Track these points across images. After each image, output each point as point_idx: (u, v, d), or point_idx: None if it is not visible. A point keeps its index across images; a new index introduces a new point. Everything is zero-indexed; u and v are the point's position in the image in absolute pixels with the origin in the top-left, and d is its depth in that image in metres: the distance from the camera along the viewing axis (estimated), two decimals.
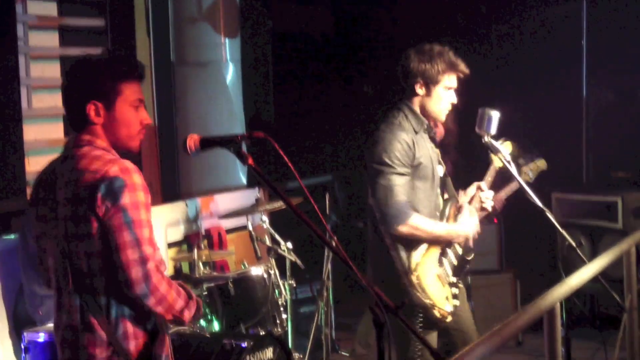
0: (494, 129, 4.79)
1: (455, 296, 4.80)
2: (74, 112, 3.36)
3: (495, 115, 4.76)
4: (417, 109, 4.78)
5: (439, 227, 4.73)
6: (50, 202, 3.30)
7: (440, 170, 4.89)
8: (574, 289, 3.95)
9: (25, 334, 4.80)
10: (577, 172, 8.00)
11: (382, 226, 4.72)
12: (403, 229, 4.62)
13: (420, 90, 4.74)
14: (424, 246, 4.70)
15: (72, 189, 3.21)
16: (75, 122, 3.36)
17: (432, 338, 4.71)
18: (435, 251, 4.76)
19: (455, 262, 4.84)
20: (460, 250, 4.88)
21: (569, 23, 8.05)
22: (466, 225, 4.83)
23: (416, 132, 4.73)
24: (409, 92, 4.79)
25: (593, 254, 6.90)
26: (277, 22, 9.18)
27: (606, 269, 4.50)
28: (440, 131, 5.69)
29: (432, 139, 4.91)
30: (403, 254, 4.68)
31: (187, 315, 3.34)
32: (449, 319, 4.72)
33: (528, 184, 4.90)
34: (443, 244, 4.79)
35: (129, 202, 3.16)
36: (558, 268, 7.27)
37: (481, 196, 4.97)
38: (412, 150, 4.66)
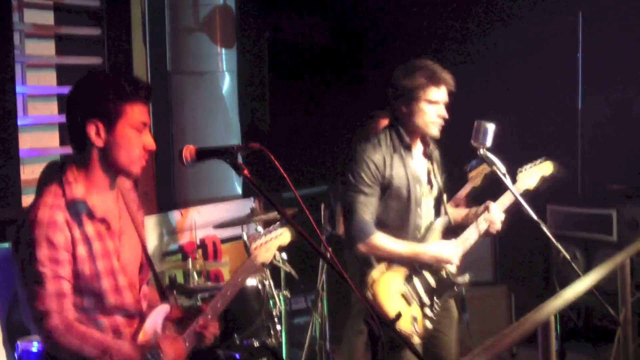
0: (489, 141, 4.79)
1: (427, 317, 4.75)
2: (74, 129, 3.26)
3: (490, 127, 4.77)
4: (402, 127, 4.76)
5: (402, 247, 4.69)
6: None
7: (427, 190, 4.86)
8: (568, 301, 3.95)
9: (19, 343, 4.79)
10: (572, 185, 8.00)
11: (346, 243, 4.76)
12: (362, 247, 4.65)
13: (403, 107, 4.72)
14: (383, 264, 4.69)
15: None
16: (75, 139, 3.28)
17: (405, 356, 4.67)
18: (401, 269, 4.73)
19: (433, 284, 4.81)
20: (443, 273, 4.85)
21: (564, 37, 8.07)
22: (438, 248, 4.80)
23: (395, 152, 4.72)
24: (396, 110, 4.78)
25: (588, 267, 6.92)
26: (274, 32, 9.19)
27: (600, 281, 4.50)
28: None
29: (428, 156, 4.90)
30: (364, 268, 4.69)
31: None
32: (415, 340, 4.65)
33: (522, 196, 4.90)
34: (415, 263, 4.77)
35: (29, 255, 3.13)
36: (552, 281, 7.29)
37: (488, 217, 4.96)
38: (380, 171, 4.65)
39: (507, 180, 4.82)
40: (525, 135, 8.31)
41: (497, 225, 4.96)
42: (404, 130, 4.76)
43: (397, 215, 4.74)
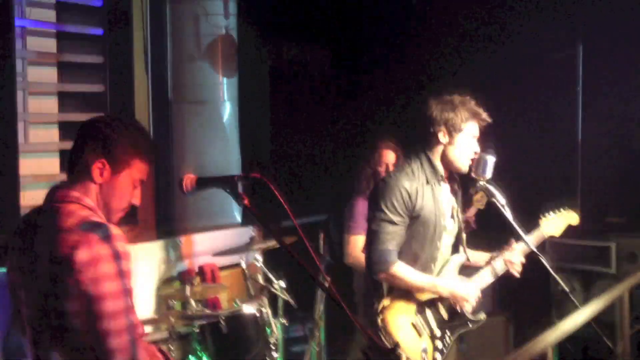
0: (489, 173, 4.81)
1: (437, 349, 4.77)
2: (79, 161, 3.27)
3: (490, 160, 4.79)
4: (436, 158, 4.81)
5: (422, 279, 4.73)
6: (29, 254, 3.21)
7: (450, 224, 4.89)
8: (566, 333, 3.95)
9: None
10: None
11: (366, 269, 4.77)
12: (382, 275, 4.69)
13: (443, 138, 4.76)
14: (398, 292, 4.71)
15: (55, 247, 3.09)
16: (75, 169, 3.29)
17: None
18: (413, 299, 4.75)
19: (445, 316, 4.82)
20: (457, 308, 4.87)
21: (564, 69, 8.09)
22: (458, 284, 4.82)
23: (427, 183, 4.75)
24: (431, 140, 4.80)
25: (586, 299, 6.90)
26: (275, 60, 9.22)
27: (599, 314, 4.50)
28: None
29: (454, 191, 4.93)
30: (377, 295, 4.71)
31: None
32: None
33: (522, 227, 4.91)
34: (428, 295, 4.79)
35: (116, 271, 3.06)
36: (551, 312, 7.28)
37: (509, 258, 4.98)
38: (412, 200, 4.67)
39: (507, 212, 4.83)
40: (525, 167, 8.32)
41: (518, 266, 4.99)
42: (439, 161, 4.79)
43: (418, 245, 4.76)
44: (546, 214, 5.29)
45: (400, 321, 4.67)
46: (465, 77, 8.68)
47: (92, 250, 3.03)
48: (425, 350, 4.67)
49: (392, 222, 4.66)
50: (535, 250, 4.81)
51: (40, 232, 3.19)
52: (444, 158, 4.80)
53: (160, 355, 3.31)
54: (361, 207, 6.46)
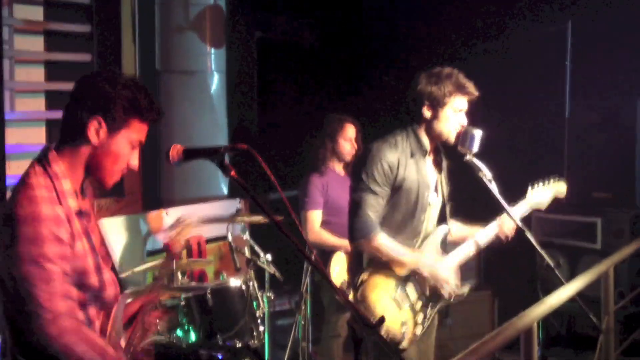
0: (476, 147, 4.81)
1: (418, 323, 4.78)
2: (73, 119, 3.11)
3: (477, 133, 4.79)
4: (422, 132, 4.81)
5: (401, 252, 4.73)
6: None
7: (434, 198, 4.89)
8: (551, 308, 3.96)
9: None
10: None
11: (349, 238, 4.79)
12: (364, 243, 4.70)
13: (427, 112, 4.76)
14: (376, 266, 4.71)
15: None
16: (68, 131, 3.14)
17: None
18: (393, 274, 4.75)
19: (426, 291, 4.83)
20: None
21: (553, 43, 8.08)
22: (439, 267, 4.82)
23: (411, 156, 4.74)
24: (417, 115, 4.81)
25: (572, 274, 6.93)
26: (264, 32, 9.19)
27: (584, 289, 4.52)
28: None
29: (438, 164, 4.93)
30: (355, 269, 4.73)
31: None
32: (404, 344, 4.70)
33: (508, 202, 4.92)
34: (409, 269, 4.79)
35: (35, 254, 2.95)
36: (536, 287, 7.31)
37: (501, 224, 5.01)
38: (393, 171, 4.68)
39: (493, 187, 4.84)
40: (512, 142, 8.33)
41: (509, 232, 5.04)
42: (425, 135, 4.79)
43: (401, 217, 4.77)
44: (535, 185, 5.29)
45: (380, 295, 4.68)
46: (455, 52, 8.68)
47: (14, 229, 2.95)
48: (404, 324, 4.68)
49: (373, 192, 4.68)
50: (520, 225, 4.81)
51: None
52: (430, 132, 4.81)
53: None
54: (316, 182, 6.47)
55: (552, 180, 5.34)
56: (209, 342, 5.33)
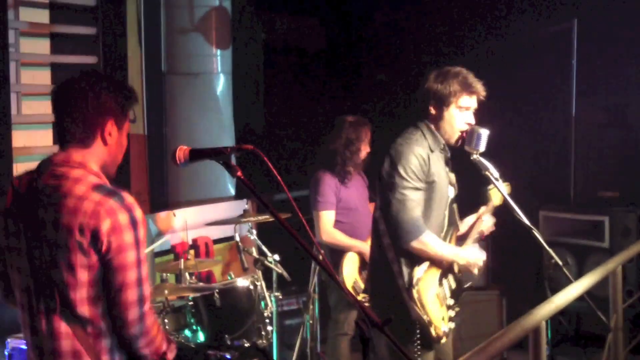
0: (482, 147, 4.80)
1: (450, 318, 4.81)
2: (89, 125, 3.21)
3: (484, 133, 4.78)
4: (434, 128, 4.80)
5: (447, 249, 4.74)
6: (31, 220, 3.15)
7: (451, 193, 4.90)
8: (559, 307, 3.96)
9: (9, 340, 4.78)
10: (564, 191, 8.01)
11: (390, 240, 4.71)
12: (415, 244, 4.61)
13: (433, 110, 4.76)
14: (426, 263, 4.70)
15: (68, 216, 3.06)
16: (80, 135, 3.22)
17: (429, 358, 4.72)
18: (437, 271, 4.76)
19: (454, 286, 4.86)
20: (459, 275, 4.90)
21: (559, 42, 8.07)
22: (473, 253, 4.85)
23: (432, 151, 4.74)
24: (424, 112, 4.81)
25: (579, 273, 6.92)
26: (269, 34, 9.20)
27: (592, 288, 4.51)
28: None
29: (447, 161, 4.93)
30: (405, 268, 4.68)
31: (170, 356, 3.29)
32: (444, 340, 4.72)
33: (515, 201, 4.91)
34: (444, 265, 4.80)
35: (135, 240, 3.09)
36: (544, 286, 7.30)
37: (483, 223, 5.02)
38: (427, 166, 4.66)
39: (500, 185, 4.83)
40: (519, 141, 8.32)
41: (490, 229, 5.07)
42: (436, 131, 4.80)
43: (431, 212, 4.74)
44: (489, 187, 5.27)
45: (430, 293, 4.68)
46: (461, 51, 8.68)
47: (114, 219, 3.05)
48: (444, 319, 4.73)
49: (415, 189, 4.62)
50: (529, 224, 4.80)
51: (45, 196, 3.13)
52: (438, 129, 4.80)
53: (164, 333, 3.31)
54: (330, 181, 6.42)
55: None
56: (217, 342, 5.35)
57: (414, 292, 4.61)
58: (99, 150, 3.23)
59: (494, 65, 8.52)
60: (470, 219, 5.14)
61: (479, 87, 4.77)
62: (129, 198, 3.13)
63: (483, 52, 8.59)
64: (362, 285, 6.02)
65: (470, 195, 5.18)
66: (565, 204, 7.98)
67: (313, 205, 6.43)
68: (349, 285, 6.20)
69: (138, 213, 3.13)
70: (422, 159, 4.65)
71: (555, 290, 4.24)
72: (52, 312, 3.14)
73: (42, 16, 7.10)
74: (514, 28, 8.44)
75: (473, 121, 4.78)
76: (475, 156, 4.81)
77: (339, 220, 6.43)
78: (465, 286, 4.98)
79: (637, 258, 6.77)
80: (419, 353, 4.60)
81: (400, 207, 4.62)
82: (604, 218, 7.42)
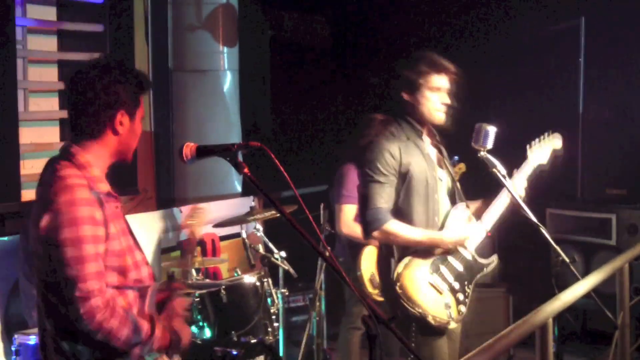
0: (490, 144, 4.81)
1: (460, 302, 4.81)
2: (98, 117, 3.26)
3: (492, 130, 4.78)
4: (411, 116, 4.84)
5: (416, 234, 4.75)
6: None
7: (442, 176, 4.91)
8: (566, 304, 3.96)
9: (16, 336, 4.79)
10: (571, 188, 8.00)
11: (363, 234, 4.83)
12: (376, 234, 4.75)
13: (406, 97, 4.81)
14: (408, 257, 4.74)
15: (35, 209, 3.19)
16: (90, 127, 3.27)
17: (439, 345, 4.75)
18: (425, 259, 4.77)
19: (460, 269, 4.85)
20: (467, 255, 4.88)
21: (567, 40, 8.06)
22: (454, 231, 4.84)
23: (408, 139, 4.77)
24: (402, 100, 4.86)
25: (586, 271, 6.91)
26: (276, 31, 9.20)
27: (599, 285, 4.51)
28: None
29: (436, 145, 4.95)
30: (392, 264, 4.74)
31: (137, 351, 3.24)
32: (453, 325, 4.76)
33: (522, 198, 4.90)
34: (437, 251, 4.80)
35: (70, 237, 3.09)
36: (551, 283, 7.29)
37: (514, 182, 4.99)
38: (396, 159, 4.72)
39: (507, 183, 4.83)
40: (526, 139, 8.30)
41: (522, 192, 5.02)
42: (413, 119, 4.82)
43: (418, 202, 4.79)
44: (532, 143, 5.28)
45: (418, 284, 4.69)
46: (468, 48, 8.67)
47: (53, 216, 3.10)
48: (448, 306, 4.71)
49: (378, 182, 4.74)
50: (536, 221, 4.79)
51: (37, 189, 3.27)
52: (415, 115, 4.84)
53: (144, 326, 3.29)
54: (355, 177, 6.43)
55: (546, 135, 5.33)
56: (223, 339, 5.35)
57: (397, 288, 4.67)
58: (109, 141, 3.29)
59: (501, 63, 8.52)
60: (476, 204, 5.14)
61: (447, 64, 4.82)
62: (82, 194, 3.14)
63: (491, 50, 8.59)
64: (378, 279, 6.03)
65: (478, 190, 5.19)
66: (572, 201, 7.98)
67: (337, 198, 6.45)
68: (365, 278, 6.22)
69: (84, 211, 3.12)
70: (390, 153, 4.75)
71: (562, 287, 4.22)
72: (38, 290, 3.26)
73: (49, 13, 7.10)
74: (521, 26, 8.43)
75: (449, 101, 4.81)
76: (482, 153, 4.82)
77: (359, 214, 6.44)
78: (485, 262, 4.96)
79: None
80: (415, 343, 4.64)
81: (364, 201, 4.79)
82: (611, 216, 7.43)
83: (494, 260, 5.02)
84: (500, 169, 4.82)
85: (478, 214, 5.03)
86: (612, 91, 7.92)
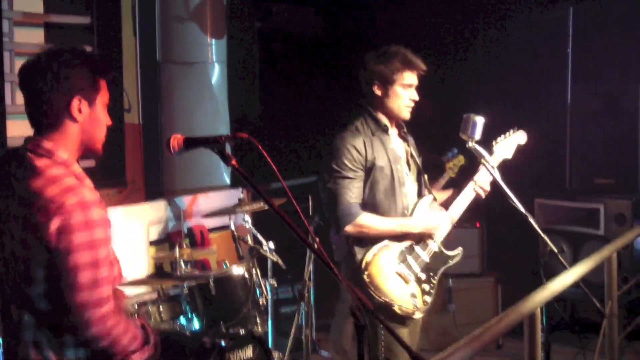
0: (478, 134, 4.82)
1: (425, 292, 4.83)
2: (52, 106, 3.11)
3: (480, 120, 4.79)
4: (377, 112, 4.88)
5: (389, 223, 4.77)
6: (1, 205, 3.10)
7: (407, 170, 4.93)
8: (555, 294, 3.96)
9: None
10: (560, 178, 8.01)
11: (333, 228, 4.80)
12: (350, 228, 4.74)
13: (378, 91, 4.84)
14: (377, 246, 4.76)
15: (25, 210, 3.00)
16: (47, 119, 3.12)
17: (401, 334, 4.70)
18: (393, 249, 4.79)
19: (426, 259, 4.87)
20: (434, 246, 4.90)
21: (554, 29, 8.07)
22: (425, 218, 4.86)
23: (373, 135, 4.79)
24: (369, 95, 4.89)
25: (574, 260, 6.93)
26: (264, 22, 9.18)
27: (587, 274, 4.52)
28: None
29: (404, 138, 4.98)
30: (358, 253, 4.75)
31: (136, 358, 3.20)
32: (417, 315, 4.79)
33: (511, 189, 4.91)
34: (406, 240, 4.82)
35: (86, 241, 2.97)
36: (539, 273, 7.31)
37: (475, 179, 5.00)
38: (361, 154, 4.75)
39: (496, 173, 4.84)
40: (514, 128, 8.31)
41: (486, 187, 5.02)
42: (380, 113, 4.83)
43: (385, 196, 4.81)
44: (497, 139, 5.28)
45: (385, 273, 4.71)
46: (457, 39, 8.67)
47: (64, 218, 2.95)
48: (414, 296, 4.73)
49: (347, 177, 4.75)
50: (524, 211, 4.81)
51: (11, 188, 3.08)
52: (383, 109, 4.87)
53: (139, 334, 3.25)
54: None
55: (512, 131, 5.35)
56: (212, 330, 5.35)
57: (365, 276, 4.69)
58: (71, 130, 3.15)
59: (489, 53, 8.52)
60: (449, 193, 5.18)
61: (420, 63, 4.85)
62: (89, 195, 3.03)
63: (477, 40, 8.59)
64: None
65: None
66: (561, 191, 7.99)
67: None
68: None
69: (96, 212, 3.02)
70: (356, 149, 4.76)
71: (551, 277, 4.23)
72: (16, 302, 3.09)
73: (36, 5, 7.08)
74: (509, 15, 8.43)
75: (417, 98, 4.84)
76: (471, 144, 4.83)
77: None
78: (451, 254, 4.98)
79: (632, 245, 6.77)
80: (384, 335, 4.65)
81: (334, 196, 4.77)
82: (599, 205, 7.44)
83: (459, 252, 5.03)
84: (488, 159, 4.83)
85: (446, 205, 5.06)
86: (601, 81, 7.93)
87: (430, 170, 5.17)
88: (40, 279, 3.02)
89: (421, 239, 4.88)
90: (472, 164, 4.98)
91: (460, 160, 6.15)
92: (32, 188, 3.01)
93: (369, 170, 4.78)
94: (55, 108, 3.12)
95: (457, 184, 5.18)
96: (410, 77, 4.83)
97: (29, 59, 3.17)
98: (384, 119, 4.89)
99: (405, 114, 4.87)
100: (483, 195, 5.04)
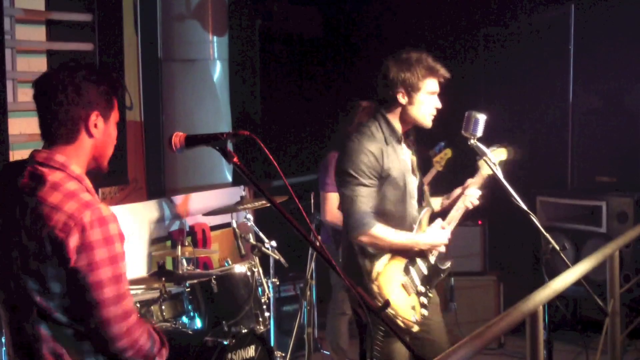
0: (480, 132, 4.79)
1: (423, 305, 4.80)
2: (70, 119, 3.10)
3: (481, 118, 4.77)
4: (394, 119, 4.78)
5: (401, 237, 4.72)
6: (8, 219, 3.05)
7: (414, 180, 4.89)
8: (557, 292, 3.95)
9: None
10: (562, 176, 8.01)
11: (346, 235, 4.76)
12: (363, 238, 4.66)
13: (402, 99, 4.72)
14: (387, 256, 4.71)
15: (40, 225, 2.95)
16: (63, 131, 3.12)
17: (399, 346, 4.64)
18: (401, 260, 4.76)
19: (425, 272, 4.85)
20: (432, 260, 4.89)
21: (556, 27, 8.06)
22: (433, 235, 4.84)
23: (387, 144, 4.73)
24: (390, 102, 4.78)
25: (577, 258, 6.93)
26: (266, 20, 9.18)
27: (589, 273, 4.51)
28: None
29: (410, 146, 4.92)
30: (367, 262, 4.71)
31: None
32: (415, 328, 4.69)
33: (512, 187, 4.90)
34: (411, 253, 4.80)
35: (107, 256, 2.96)
36: (541, 271, 7.30)
37: (467, 194, 4.99)
38: (379, 162, 4.66)
39: (498, 171, 4.82)
40: (516, 127, 8.31)
41: (475, 202, 5.00)
42: (398, 120, 4.78)
43: (394, 207, 4.75)
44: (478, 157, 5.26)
45: (393, 284, 4.68)
46: (458, 37, 8.67)
47: (84, 235, 2.93)
48: (413, 308, 4.71)
49: (365, 185, 4.65)
50: (526, 209, 4.79)
51: (27, 199, 3.03)
52: (406, 117, 4.77)
53: (157, 337, 3.26)
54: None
55: (495, 147, 5.29)
56: (214, 329, 5.35)
57: (374, 286, 4.63)
58: (85, 145, 3.14)
59: (491, 51, 8.52)
60: (456, 192, 5.14)
61: (443, 70, 4.78)
62: (105, 211, 3.01)
63: (479, 38, 8.58)
64: None
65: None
66: (563, 189, 7.99)
67: (321, 186, 6.47)
68: None
69: (112, 228, 3.00)
70: (374, 156, 4.67)
71: (553, 275, 4.22)
72: (31, 315, 3.05)
73: (37, 3, 7.07)
74: (511, 14, 8.42)
75: (440, 105, 4.78)
76: (472, 141, 4.80)
77: None
78: (443, 268, 4.97)
79: (634, 243, 6.77)
80: (381, 341, 4.61)
81: (349, 203, 4.68)
82: (601, 203, 7.44)
83: (448, 265, 5.02)
84: (490, 156, 4.81)
85: (441, 211, 5.05)
86: (602, 79, 7.93)
87: (419, 164, 5.14)
88: (58, 294, 3.00)
89: (424, 252, 4.86)
90: (472, 165, 4.96)
91: (447, 153, 6.14)
92: (49, 203, 2.98)
93: (383, 179, 4.71)
94: (74, 121, 3.11)
95: (446, 180, 5.15)
96: (434, 84, 4.75)
97: (47, 72, 3.17)
98: (398, 127, 4.79)
99: (429, 122, 4.78)
100: (471, 207, 5.02)
